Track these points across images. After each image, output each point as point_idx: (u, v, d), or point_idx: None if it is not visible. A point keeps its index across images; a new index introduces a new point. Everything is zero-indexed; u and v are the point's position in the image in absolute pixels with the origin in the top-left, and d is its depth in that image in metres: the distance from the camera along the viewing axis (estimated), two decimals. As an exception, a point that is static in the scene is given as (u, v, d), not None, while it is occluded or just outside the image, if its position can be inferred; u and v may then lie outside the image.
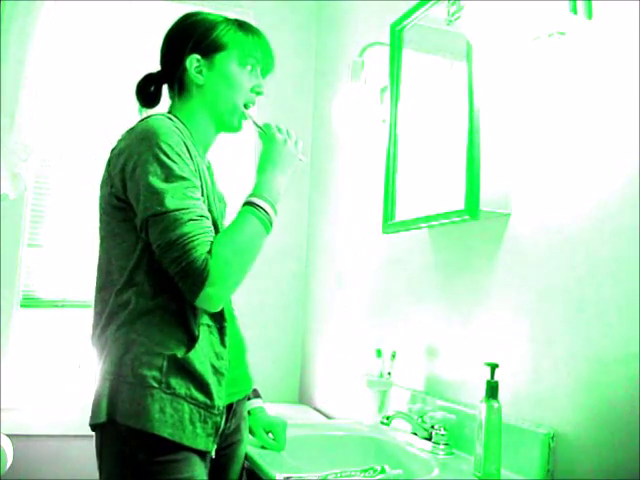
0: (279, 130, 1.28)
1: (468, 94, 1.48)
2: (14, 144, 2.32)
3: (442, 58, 1.76)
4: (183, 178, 1.11)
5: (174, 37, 1.30)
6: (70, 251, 2.50)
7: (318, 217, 2.69)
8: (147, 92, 1.31)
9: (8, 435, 2.09)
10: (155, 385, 1.10)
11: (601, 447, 1.16)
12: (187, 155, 1.15)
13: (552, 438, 1.25)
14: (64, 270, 2.51)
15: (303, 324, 2.74)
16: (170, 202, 1.08)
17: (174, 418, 1.10)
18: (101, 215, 1.21)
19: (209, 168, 1.33)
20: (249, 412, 1.43)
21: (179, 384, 1.11)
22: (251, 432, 1.44)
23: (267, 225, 1.17)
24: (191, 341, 1.14)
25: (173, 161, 1.11)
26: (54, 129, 2.49)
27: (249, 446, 1.40)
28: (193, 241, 1.07)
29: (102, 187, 1.20)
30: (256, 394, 1.48)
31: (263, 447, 1.43)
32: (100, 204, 1.21)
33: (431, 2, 1.68)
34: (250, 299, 2.57)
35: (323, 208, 2.65)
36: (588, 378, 1.20)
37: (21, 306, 2.44)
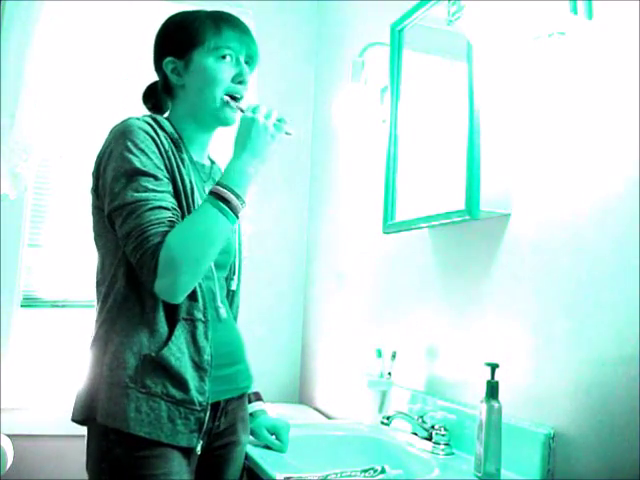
0: (254, 110, 1.21)
1: (468, 94, 1.48)
2: (14, 144, 2.32)
3: (442, 58, 1.76)
4: (144, 172, 1.12)
5: (154, 44, 1.32)
6: (70, 251, 2.50)
7: (318, 217, 2.69)
8: (150, 102, 1.35)
9: (8, 435, 2.09)
10: (131, 385, 1.11)
11: (601, 447, 1.16)
12: (154, 151, 1.15)
13: (552, 438, 1.25)
14: (64, 270, 2.50)
15: (303, 324, 2.74)
16: (129, 195, 1.10)
17: (150, 417, 1.11)
18: (92, 215, 1.23)
19: (204, 167, 1.32)
20: (251, 414, 1.42)
21: (155, 383, 1.12)
22: (253, 434, 1.43)
23: (229, 214, 1.13)
24: (168, 338, 1.14)
25: (135, 156, 1.12)
26: (54, 129, 2.49)
27: (250, 446, 1.40)
28: (146, 232, 1.08)
29: (91, 190, 1.22)
30: (257, 397, 1.47)
31: (266, 447, 1.43)
32: (90, 206, 1.23)
33: (431, 2, 1.68)
34: (250, 299, 2.56)
35: (323, 208, 2.64)
36: (588, 378, 1.20)
37: (21, 306, 2.43)
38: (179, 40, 1.26)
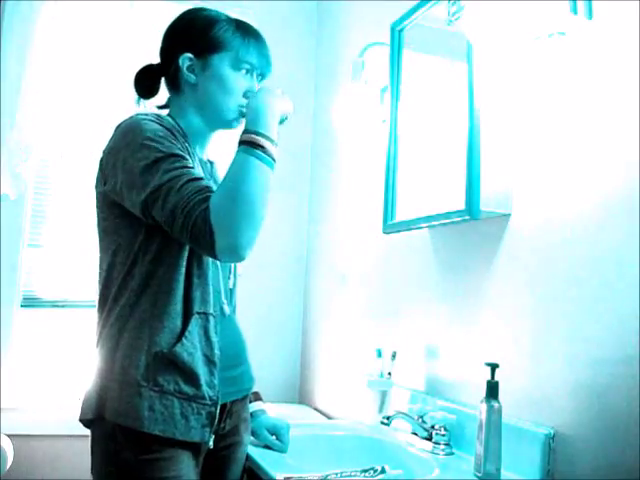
0: None
1: (468, 94, 1.48)
2: (14, 144, 2.32)
3: (442, 58, 1.76)
4: (171, 154, 1.11)
5: (171, 33, 1.30)
6: (70, 251, 2.50)
7: (318, 217, 2.69)
8: (144, 83, 1.32)
9: (8, 435, 2.09)
10: (143, 383, 1.11)
11: (601, 447, 1.16)
12: (173, 138, 1.15)
13: (552, 438, 1.25)
14: (64, 270, 2.51)
15: (303, 324, 2.74)
16: (162, 177, 1.08)
17: (164, 415, 1.11)
18: (98, 214, 1.22)
19: (206, 165, 1.33)
20: (251, 414, 1.42)
21: (167, 380, 1.12)
22: (253, 434, 1.44)
23: (265, 159, 1.10)
24: (182, 333, 1.14)
25: (159, 142, 1.12)
26: (54, 129, 2.49)
27: (250, 446, 1.40)
28: (190, 202, 1.05)
29: (97, 186, 1.22)
30: (257, 397, 1.48)
31: (267, 447, 1.44)
32: (97, 203, 1.22)
33: (431, 2, 1.68)
34: (250, 299, 2.57)
35: (323, 208, 2.64)
36: (588, 378, 1.20)
37: (21, 306, 2.44)
38: (202, 40, 1.25)
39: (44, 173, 2.52)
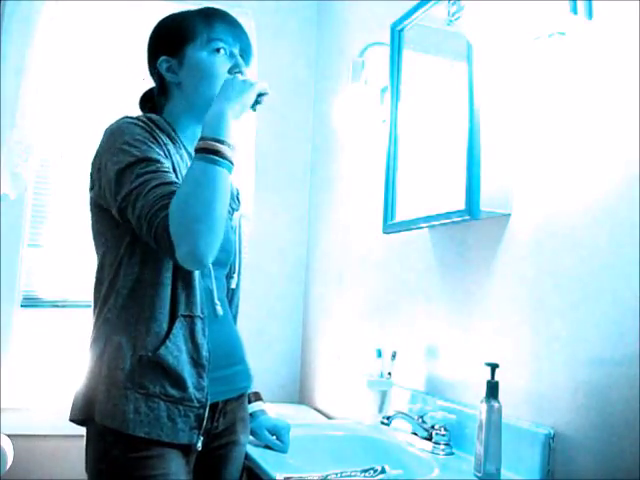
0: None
1: (468, 94, 1.48)
2: (14, 144, 2.32)
3: (442, 58, 1.76)
4: (144, 158, 1.11)
5: (148, 47, 1.32)
6: (70, 251, 2.50)
7: (318, 217, 2.69)
8: (147, 106, 1.34)
9: (8, 435, 2.09)
10: (129, 386, 1.11)
11: (601, 447, 1.16)
12: (153, 142, 1.15)
13: (552, 438, 1.25)
14: (64, 270, 2.51)
15: (303, 324, 2.74)
16: (133, 182, 1.09)
17: (150, 417, 1.11)
18: (92, 216, 1.23)
19: None
20: (251, 415, 1.42)
21: (153, 383, 1.12)
22: (254, 435, 1.44)
23: (220, 162, 1.08)
24: (166, 335, 1.14)
25: (134, 146, 1.12)
26: (54, 129, 2.49)
27: (250, 446, 1.40)
28: (152, 209, 1.06)
29: (89, 189, 1.22)
30: (257, 397, 1.48)
31: (267, 447, 1.44)
32: (90, 206, 1.23)
33: (431, 2, 1.68)
34: (250, 299, 2.57)
35: (323, 208, 2.65)
36: (588, 378, 1.20)
37: (21, 306, 2.44)
38: (171, 38, 1.26)
39: (44, 173, 2.52)
